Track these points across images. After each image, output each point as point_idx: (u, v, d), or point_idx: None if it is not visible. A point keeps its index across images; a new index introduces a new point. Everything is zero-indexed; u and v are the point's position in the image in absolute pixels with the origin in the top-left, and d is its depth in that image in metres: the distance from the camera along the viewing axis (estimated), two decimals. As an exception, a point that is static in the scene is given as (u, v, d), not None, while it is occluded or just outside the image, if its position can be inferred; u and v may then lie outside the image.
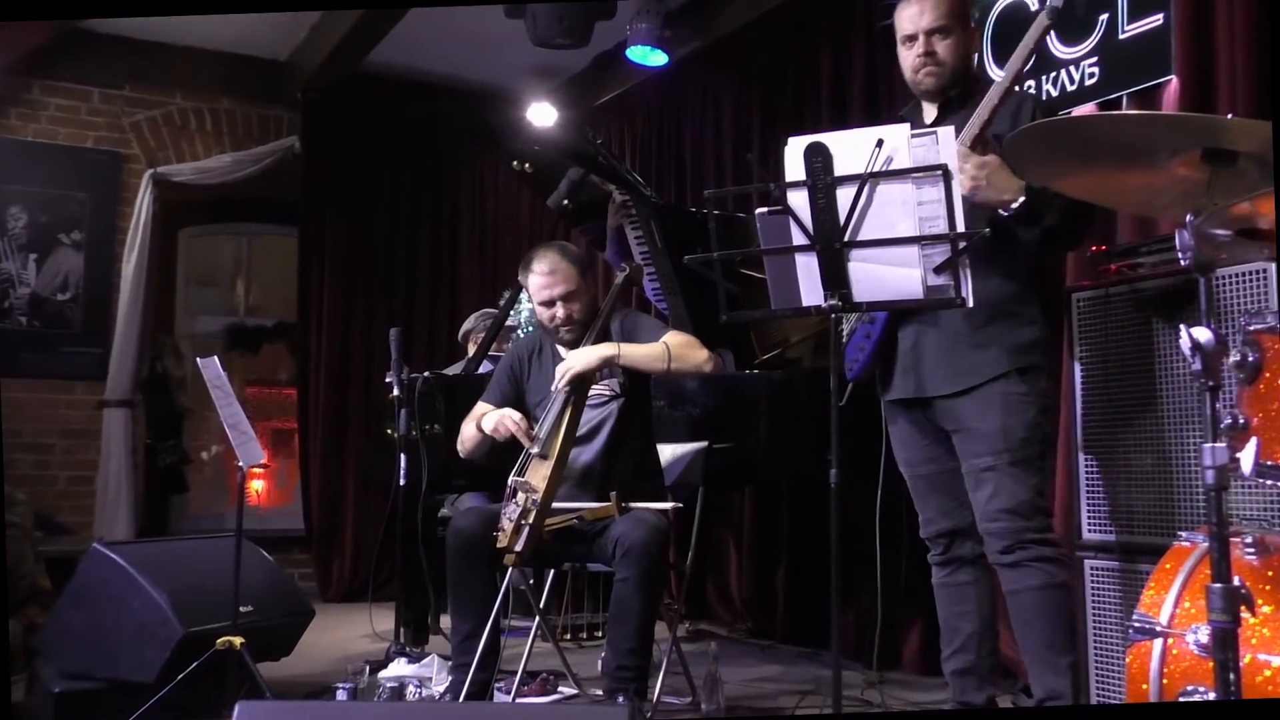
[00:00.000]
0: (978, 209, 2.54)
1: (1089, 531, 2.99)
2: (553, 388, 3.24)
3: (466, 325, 5.41)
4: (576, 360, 3.22)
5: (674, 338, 3.30)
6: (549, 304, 3.35)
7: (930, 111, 2.82)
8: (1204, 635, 1.86)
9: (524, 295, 4.96)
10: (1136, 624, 2.04)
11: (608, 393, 3.36)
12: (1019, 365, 2.68)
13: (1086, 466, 3.01)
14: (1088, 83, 3.69)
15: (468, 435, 3.41)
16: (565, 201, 4.54)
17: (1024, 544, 2.64)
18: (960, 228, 2.30)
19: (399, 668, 3.91)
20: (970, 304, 2.36)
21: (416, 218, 6.95)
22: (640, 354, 3.25)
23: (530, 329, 5.16)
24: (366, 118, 6.71)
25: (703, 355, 3.27)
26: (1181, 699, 1.95)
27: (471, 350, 5.14)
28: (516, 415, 3.25)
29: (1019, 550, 2.64)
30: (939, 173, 2.28)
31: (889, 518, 3.26)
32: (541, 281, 3.35)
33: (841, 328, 2.86)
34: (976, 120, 2.61)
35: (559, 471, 3.15)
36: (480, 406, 3.44)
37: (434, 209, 7.02)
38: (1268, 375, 1.98)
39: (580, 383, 3.24)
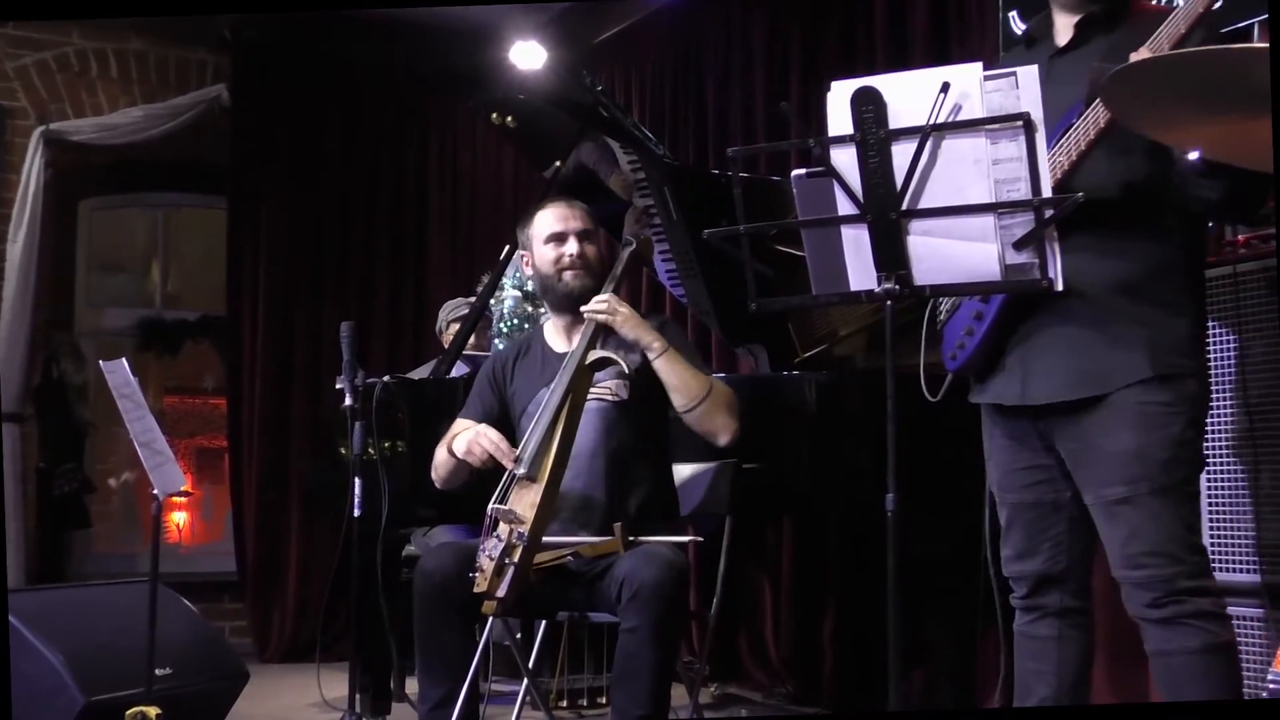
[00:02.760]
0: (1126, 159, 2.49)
1: (1217, 570, 2.96)
2: (584, 310, 3.28)
3: (444, 316, 5.44)
4: (624, 305, 3.28)
5: (720, 384, 3.36)
6: (562, 238, 3.42)
7: (1066, 24, 2.70)
8: (1356, 698, 1.85)
9: (506, 280, 4.96)
10: (1273, 684, 2.04)
11: (610, 397, 3.35)
12: (1163, 370, 2.54)
13: (1211, 488, 2.99)
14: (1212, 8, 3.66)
15: (440, 462, 3.42)
16: (558, 164, 4.54)
17: (1178, 595, 2.53)
18: (1046, 191, 2.28)
19: (354, 744, 3.92)
20: (1059, 286, 2.33)
21: (374, 185, 6.96)
22: (684, 370, 3.29)
23: (514, 321, 5.16)
24: (311, 61, 6.71)
25: (734, 423, 3.32)
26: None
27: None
28: (494, 434, 3.25)
29: (1172, 604, 2.53)
30: (1019, 124, 2.26)
31: (966, 550, 3.24)
32: (559, 213, 3.46)
33: (940, 306, 2.79)
34: (1184, 20, 2.40)
35: (550, 497, 3.15)
36: (458, 425, 3.45)
37: (396, 174, 7.03)
38: None
39: (590, 376, 3.21)
